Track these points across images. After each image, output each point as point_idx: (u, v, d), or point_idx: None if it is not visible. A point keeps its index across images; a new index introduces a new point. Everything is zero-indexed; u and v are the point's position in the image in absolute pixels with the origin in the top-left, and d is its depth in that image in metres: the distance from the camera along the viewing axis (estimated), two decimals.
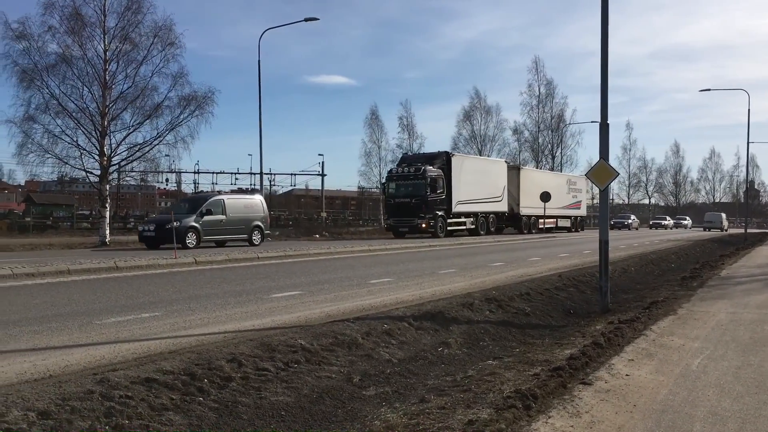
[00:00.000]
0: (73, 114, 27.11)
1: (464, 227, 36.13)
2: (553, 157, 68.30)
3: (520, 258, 19.81)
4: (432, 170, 33.75)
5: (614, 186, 71.03)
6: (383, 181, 35.71)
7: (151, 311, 8.75)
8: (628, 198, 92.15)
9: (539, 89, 68.11)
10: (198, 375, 5.15)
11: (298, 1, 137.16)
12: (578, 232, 48.93)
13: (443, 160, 35.11)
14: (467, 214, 36.18)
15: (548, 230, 45.12)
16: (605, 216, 9.95)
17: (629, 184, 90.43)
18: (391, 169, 35.69)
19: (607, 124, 9.67)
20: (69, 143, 27.28)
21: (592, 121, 66.06)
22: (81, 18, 26.95)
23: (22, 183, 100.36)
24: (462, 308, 8.80)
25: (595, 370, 5.59)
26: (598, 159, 9.75)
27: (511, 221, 41.23)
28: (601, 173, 9.70)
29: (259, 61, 30.79)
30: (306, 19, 31.41)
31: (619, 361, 5.97)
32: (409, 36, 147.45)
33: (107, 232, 27.84)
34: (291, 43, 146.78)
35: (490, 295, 9.88)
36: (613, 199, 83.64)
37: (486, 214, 37.83)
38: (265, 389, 5.16)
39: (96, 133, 27.44)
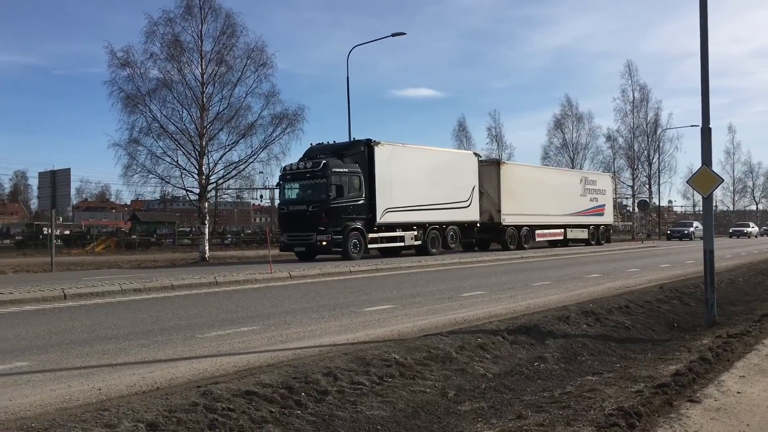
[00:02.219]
0: (174, 135, 28.56)
1: (401, 243, 26.35)
2: (650, 164, 65.65)
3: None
4: (339, 165, 24.21)
5: (718, 193, 67.15)
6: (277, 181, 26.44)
7: (249, 325, 9.01)
8: (733, 205, 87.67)
9: (633, 94, 65.64)
10: (295, 388, 5.25)
11: (384, 17, 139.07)
12: (600, 245, 37.76)
13: (361, 151, 25.13)
14: (406, 226, 26.29)
15: (562, 243, 36.14)
16: (710, 224, 9.49)
17: (734, 190, 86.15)
18: (285, 166, 25.76)
19: (710, 129, 9.24)
20: (170, 163, 28.74)
21: (691, 126, 62.99)
22: (180, 44, 28.36)
23: (128, 203, 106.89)
24: (558, 321, 8.58)
25: (704, 387, 5.32)
26: (700, 165, 9.34)
27: (491, 233, 31.47)
28: (703, 180, 9.27)
29: (347, 77, 31.36)
30: (393, 35, 31.77)
31: (730, 378, 5.66)
32: (496, 45, 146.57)
33: (207, 247, 28.99)
34: (377, 58, 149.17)
35: (587, 308, 9.60)
36: (716, 206, 79.57)
37: (442, 225, 27.81)
38: (361, 403, 5.20)
39: (195, 153, 28.74)
